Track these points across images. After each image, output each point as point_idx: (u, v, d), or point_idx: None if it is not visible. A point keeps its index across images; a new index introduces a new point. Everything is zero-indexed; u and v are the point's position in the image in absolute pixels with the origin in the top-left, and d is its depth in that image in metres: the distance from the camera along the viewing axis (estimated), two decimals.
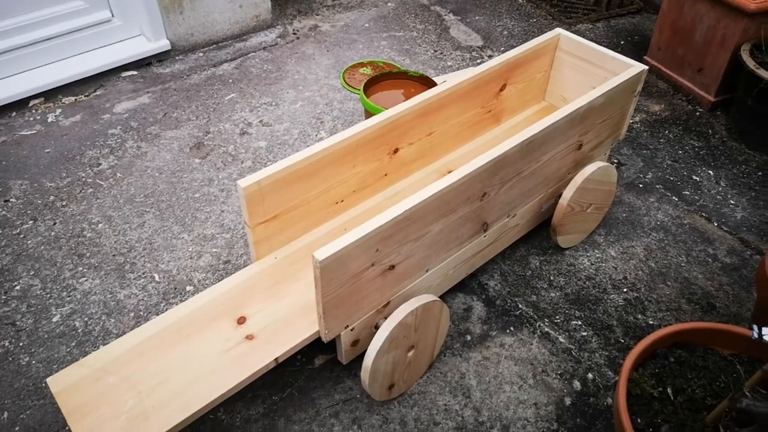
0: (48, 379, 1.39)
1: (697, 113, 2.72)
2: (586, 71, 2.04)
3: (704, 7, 2.59)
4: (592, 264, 2.04)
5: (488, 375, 1.72)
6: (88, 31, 2.77)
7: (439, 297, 1.66)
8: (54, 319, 1.83)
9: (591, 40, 3.13)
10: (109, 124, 2.56)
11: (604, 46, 1.98)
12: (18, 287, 1.91)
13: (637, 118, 2.68)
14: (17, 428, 1.57)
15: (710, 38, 2.61)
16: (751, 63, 2.39)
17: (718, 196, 2.31)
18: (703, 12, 2.61)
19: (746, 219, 2.22)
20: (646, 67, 1.87)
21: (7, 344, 1.76)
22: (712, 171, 2.43)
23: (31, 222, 2.13)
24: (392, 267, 1.45)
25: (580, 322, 1.86)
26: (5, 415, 1.60)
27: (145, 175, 2.32)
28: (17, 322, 1.82)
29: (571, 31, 3.19)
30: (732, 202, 2.29)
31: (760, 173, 2.42)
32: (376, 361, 1.46)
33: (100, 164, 2.36)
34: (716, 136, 2.60)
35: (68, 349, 1.75)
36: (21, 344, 1.76)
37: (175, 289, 1.92)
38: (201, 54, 3.00)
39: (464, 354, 1.76)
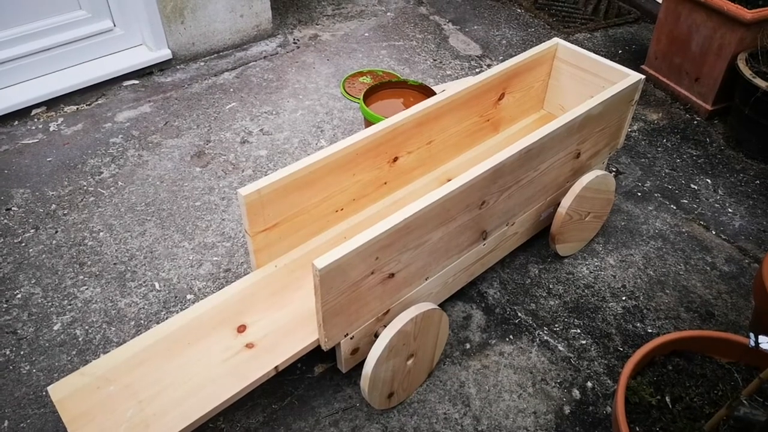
0: (49, 388, 1.39)
1: (695, 122, 2.74)
2: (583, 80, 2.06)
3: (701, 16, 2.61)
4: (591, 272, 2.05)
5: (488, 383, 1.72)
6: (91, 41, 2.79)
7: (439, 305, 1.66)
8: (55, 328, 1.83)
9: (589, 49, 3.16)
10: (111, 132, 2.57)
11: (601, 55, 2.00)
12: (19, 296, 1.92)
13: (635, 127, 2.70)
14: None
15: (707, 48, 2.63)
16: (747, 72, 2.40)
17: (716, 205, 2.32)
18: (699, 22, 2.63)
19: (744, 227, 2.23)
20: (643, 77, 1.89)
21: (8, 353, 1.76)
22: (710, 179, 2.44)
23: (32, 230, 2.14)
24: (392, 275, 1.45)
25: (579, 331, 1.87)
26: (6, 423, 1.60)
27: (146, 183, 2.34)
28: (18, 331, 1.82)
29: (569, 41, 3.21)
30: (730, 210, 2.30)
31: (757, 182, 2.43)
32: (376, 370, 1.47)
33: (102, 173, 2.38)
34: (714, 144, 2.62)
35: (69, 358, 1.75)
36: (22, 353, 1.77)
37: (176, 297, 1.93)
38: (202, 63, 3.02)
39: (464, 362, 1.77)
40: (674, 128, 2.70)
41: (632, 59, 3.12)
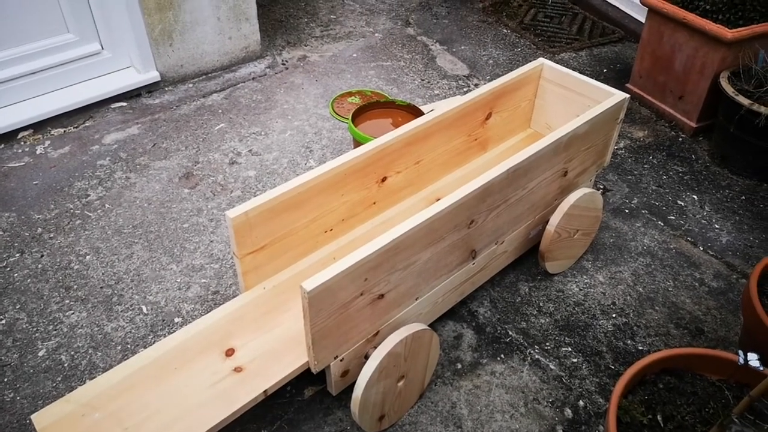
0: (32, 416, 1.36)
1: (680, 139, 2.77)
2: (569, 99, 2.08)
3: (683, 36, 2.66)
4: (581, 290, 2.05)
5: (479, 404, 1.71)
6: (78, 64, 2.79)
7: (429, 325, 1.65)
8: (40, 354, 1.80)
9: (574, 68, 3.20)
10: (98, 155, 2.56)
11: (587, 74, 2.03)
12: (3, 321, 1.89)
13: (621, 145, 2.73)
14: None
15: (690, 66, 2.67)
16: (730, 90, 2.44)
17: (703, 221, 2.34)
18: (682, 41, 2.67)
19: (731, 243, 2.25)
20: (628, 96, 1.91)
21: None
22: (697, 196, 2.46)
23: (17, 254, 2.11)
24: (381, 296, 1.45)
25: (570, 349, 1.86)
26: None
27: (134, 205, 2.32)
28: (2, 357, 1.79)
29: (555, 60, 3.26)
30: (717, 226, 2.32)
31: (743, 197, 2.46)
32: (366, 392, 1.45)
33: (89, 195, 2.36)
34: (699, 161, 2.65)
35: (54, 384, 1.72)
36: (6, 380, 1.73)
37: (163, 320, 1.90)
38: (190, 85, 3.03)
39: (455, 383, 1.76)
40: (660, 145, 2.73)
41: (617, 78, 3.16)
